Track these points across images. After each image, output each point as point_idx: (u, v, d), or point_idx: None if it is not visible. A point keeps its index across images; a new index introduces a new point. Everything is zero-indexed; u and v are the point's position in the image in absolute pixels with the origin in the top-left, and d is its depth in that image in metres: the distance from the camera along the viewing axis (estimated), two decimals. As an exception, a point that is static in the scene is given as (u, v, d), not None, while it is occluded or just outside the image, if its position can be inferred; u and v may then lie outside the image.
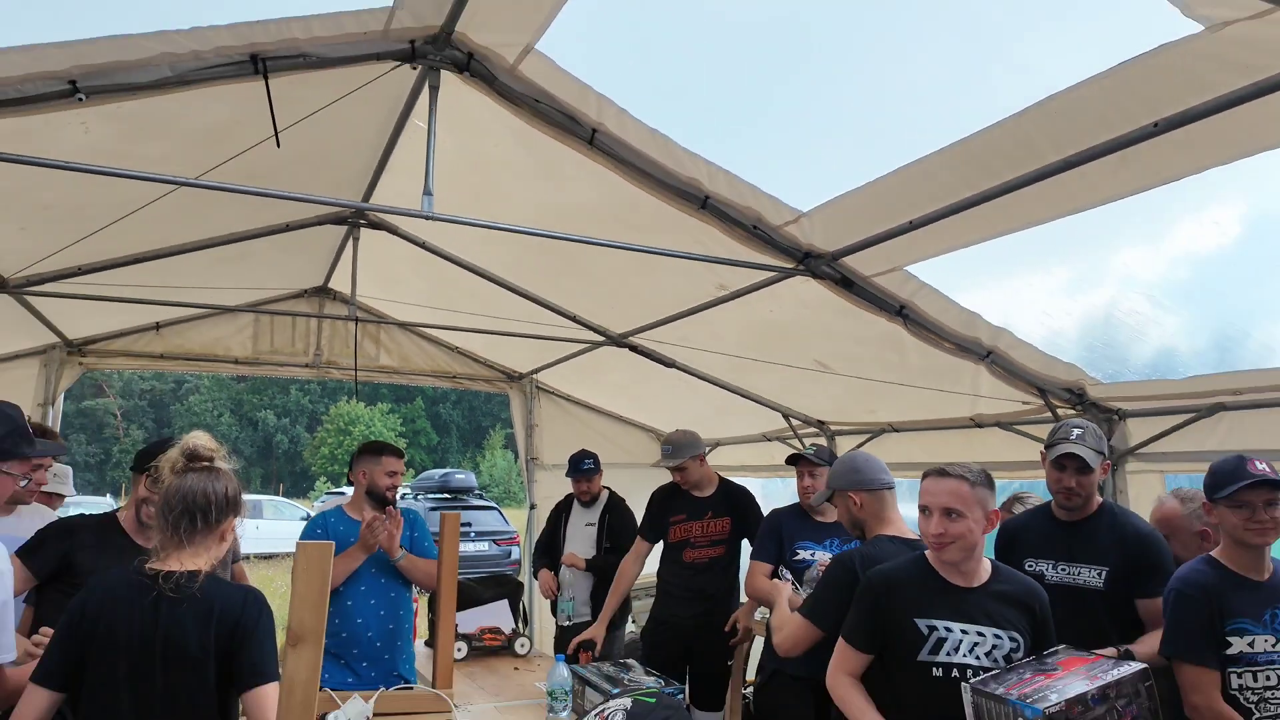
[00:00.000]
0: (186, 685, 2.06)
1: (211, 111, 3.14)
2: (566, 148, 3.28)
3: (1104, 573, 2.88)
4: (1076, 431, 2.95)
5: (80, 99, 2.57)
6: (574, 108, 3.08)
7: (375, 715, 3.09)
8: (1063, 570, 2.96)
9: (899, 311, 3.62)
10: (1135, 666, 2.23)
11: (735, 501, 4.37)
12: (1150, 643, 2.68)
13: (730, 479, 4.54)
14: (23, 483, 2.41)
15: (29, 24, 2.42)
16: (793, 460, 3.85)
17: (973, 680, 2.27)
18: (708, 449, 4.46)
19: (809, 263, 3.51)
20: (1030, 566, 2.97)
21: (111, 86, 2.62)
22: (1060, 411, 3.93)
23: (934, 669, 2.38)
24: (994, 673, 2.32)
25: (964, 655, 2.38)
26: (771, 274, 3.64)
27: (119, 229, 3.94)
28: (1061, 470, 2.93)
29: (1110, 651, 2.54)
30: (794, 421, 5.82)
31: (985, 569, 2.49)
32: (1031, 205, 2.79)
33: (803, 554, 3.71)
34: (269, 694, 2.07)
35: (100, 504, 18.52)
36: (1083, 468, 2.88)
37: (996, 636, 2.40)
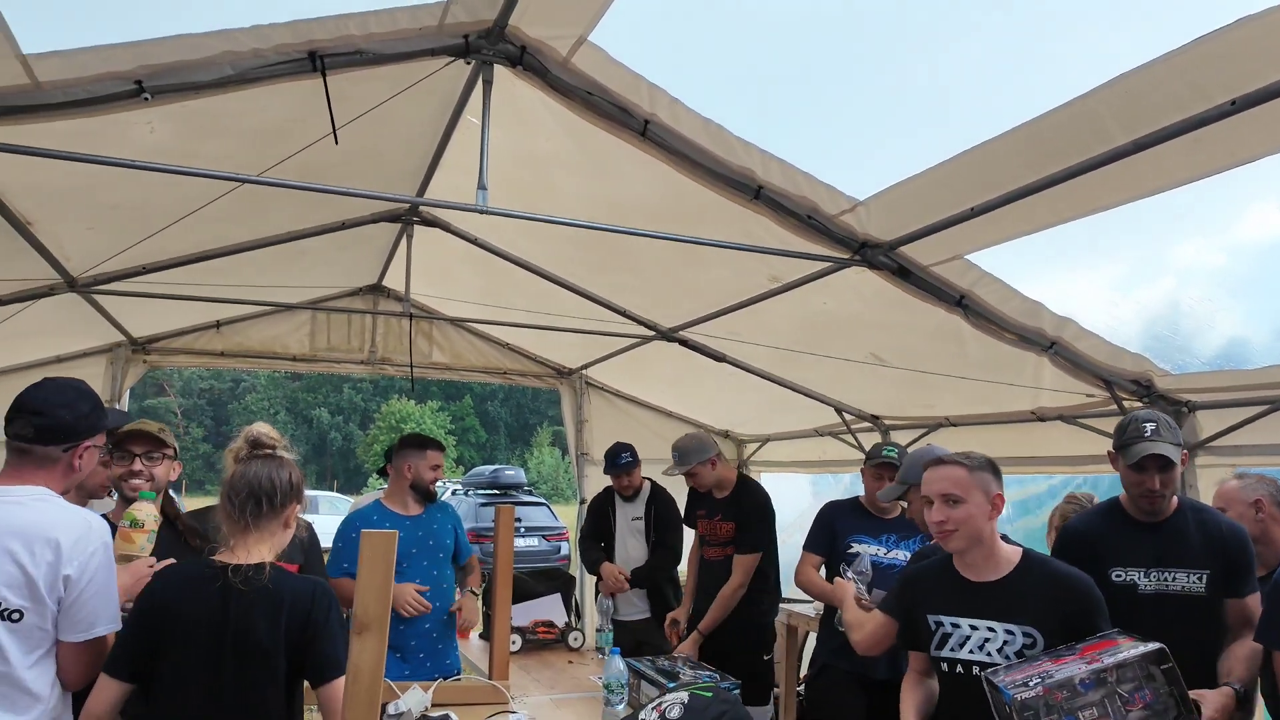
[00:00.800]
0: (256, 677, 2.08)
1: (270, 110, 3.19)
2: (618, 140, 3.26)
3: (1205, 576, 2.66)
4: (1150, 426, 2.68)
5: (146, 98, 2.62)
6: (626, 99, 3.06)
7: (433, 705, 3.11)
8: (1157, 577, 2.71)
9: (958, 302, 3.54)
10: (1142, 648, 2.05)
11: (739, 505, 4.29)
12: (1239, 656, 2.54)
13: (751, 479, 4.48)
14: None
15: (97, 25, 2.47)
16: (879, 463, 3.66)
17: (987, 672, 2.22)
18: (716, 453, 4.37)
19: (865, 253, 3.44)
20: (1118, 577, 2.73)
21: (176, 86, 2.67)
22: (1126, 404, 3.80)
23: (943, 664, 2.42)
24: (1013, 663, 2.26)
25: (970, 651, 2.37)
26: (826, 265, 3.59)
27: (181, 228, 4.03)
28: (1143, 473, 2.65)
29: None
30: (847, 416, 5.74)
31: (1007, 562, 2.41)
32: (1100, 190, 2.70)
33: (856, 548, 3.65)
34: (341, 688, 2.07)
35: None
36: (1165, 465, 2.63)
37: (1008, 632, 2.34)
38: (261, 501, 2.23)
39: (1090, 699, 2.01)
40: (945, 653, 2.42)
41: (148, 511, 2.45)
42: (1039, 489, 5.06)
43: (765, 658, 4.22)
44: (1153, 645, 2.02)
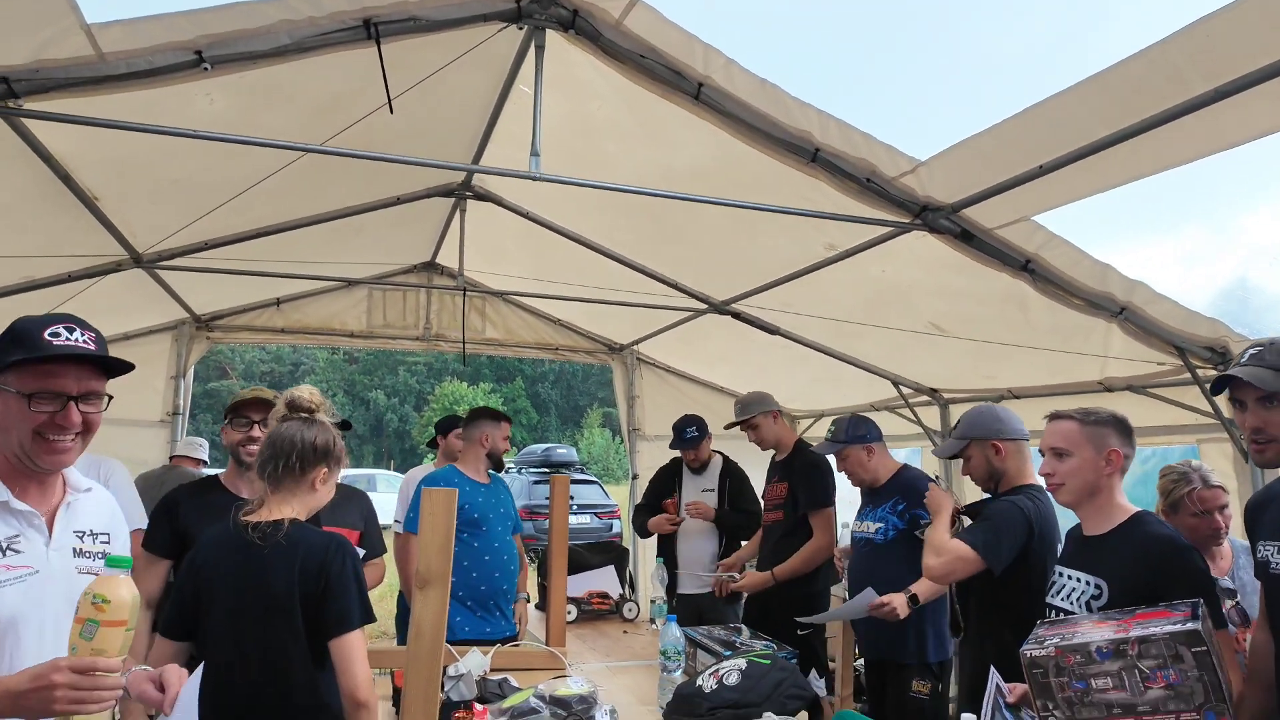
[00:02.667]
0: (277, 632, 2.10)
1: (326, 82, 3.20)
2: (672, 105, 3.21)
3: None
4: (1252, 351, 2.09)
5: (206, 69, 2.65)
6: (680, 61, 3.00)
7: (491, 669, 3.13)
8: None
9: (1024, 266, 3.41)
10: (1177, 626, 1.88)
11: (792, 465, 4.29)
12: None
13: (807, 446, 4.44)
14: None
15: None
16: None
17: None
18: (778, 409, 4.46)
19: (926, 216, 3.34)
20: (1261, 552, 2.21)
21: (234, 56, 2.69)
22: (1200, 372, 3.65)
23: (1048, 611, 2.44)
24: (1058, 619, 2.23)
25: (1062, 599, 2.39)
26: (885, 230, 3.49)
27: (241, 203, 4.09)
28: (1236, 408, 2.10)
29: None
30: (904, 390, 5.62)
31: (1119, 516, 2.35)
32: (1178, 143, 2.56)
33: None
34: (353, 642, 2.08)
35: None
36: (1268, 398, 2.01)
37: (1085, 582, 2.33)
38: (281, 462, 2.26)
39: (1106, 668, 1.91)
40: (1050, 599, 2.46)
41: (118, 593, 1.51)
42: (1106, 462, 4.89)
43: (800, 632, 4.01)
44: (1188, 626, 1.88)
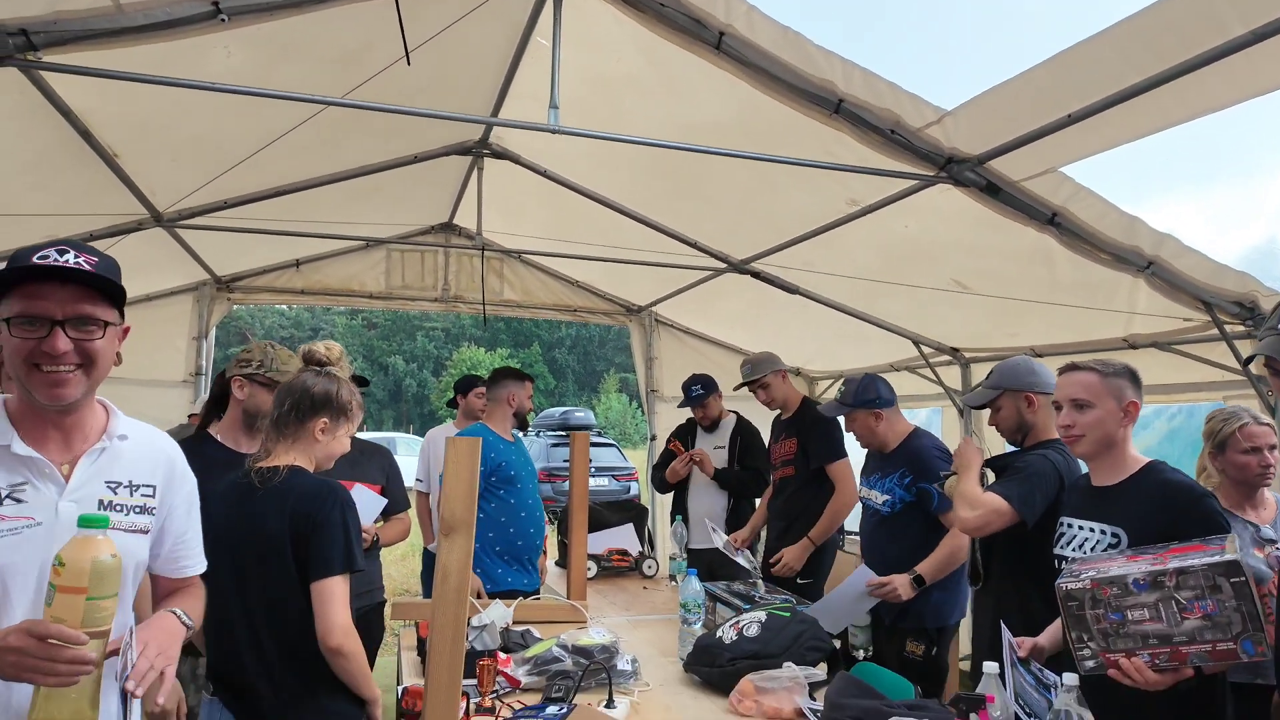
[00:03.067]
0: (273, 575, 2.12)
1: (344, 35, 3.17)
2: (692, 56, 3.16)
3: None
4: None
5: (223, 19, 2.63)
6: (700, 9, 2.95)
7: (514, 622, 3.17)
8: None
9: (1051, 220, 3.35)
10: (1211, 559, 1.89)
11: (805, 422, 4.30)
12: None
13: (814, 402, 4.47)
14: None
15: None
16: None
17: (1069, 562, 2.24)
18: (790, 369, 4.47)
19: (951, 169, 3.28)
20: None
21: (251, 6, 2.67)
22: (1228, 328, 3.59)
23: (1056, 562, 2.43)
24: (1091, 555, 2.26)
25: (1073, 549, 2.38)
26: (909, 183, 3.43)
27: (260, 160, 4.08)
28: (1275, 376, 1.99)
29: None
30: (925, 349, 5.58)
31: (1129, 468, 2.35)
32: (1213, 88, 2.49)
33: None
34: (331, 587, 2.09)
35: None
36: None
37: (1101, 532, 2.32)
38: (284, 410, 2.30)
39: (1143, 600, 1.93)
40: (1057, 550, 2.45)
41: (75, 555, 1.38)
42: (1129, 419, 4.85)
43: (800, 581, 4.11)
44: (1227, 556, 1.89)
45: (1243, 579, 1.85)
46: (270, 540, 2.13)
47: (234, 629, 2.16)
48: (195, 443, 2.63)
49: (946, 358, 5.61)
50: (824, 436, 4.20)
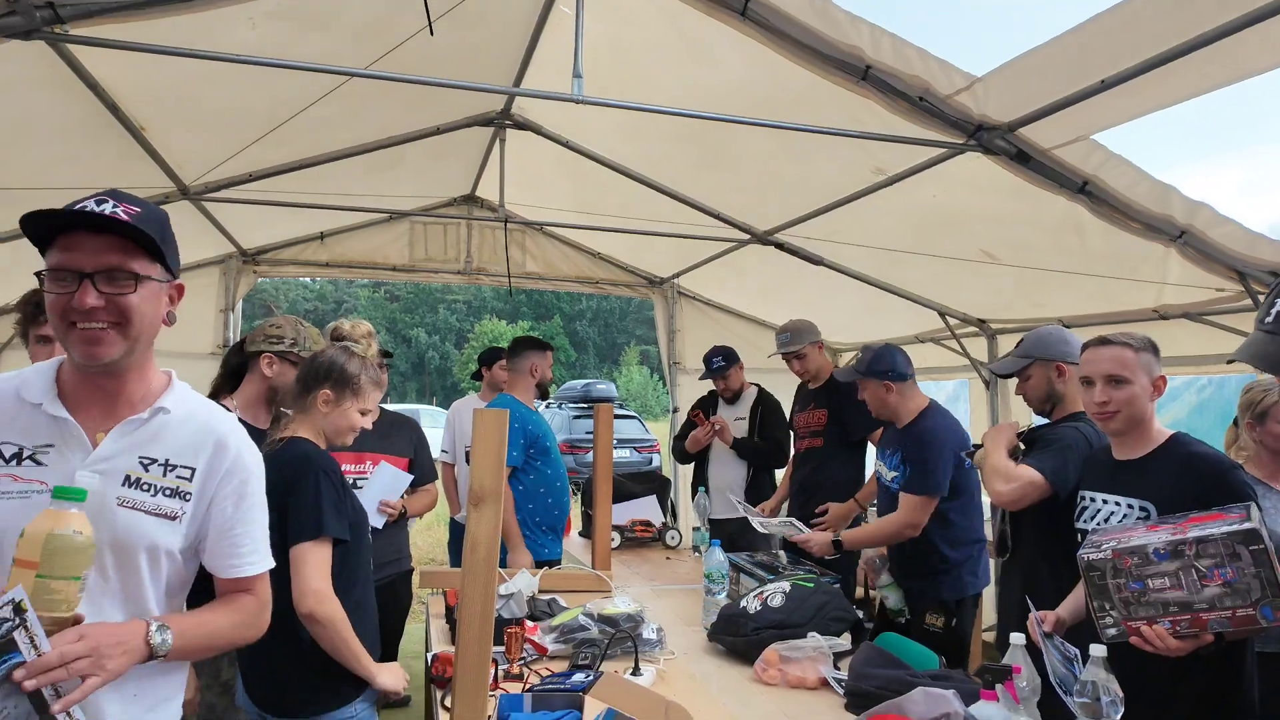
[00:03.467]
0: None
1: (367, 5, 3.16)
2: (716, 22, 3.11)
3: None
4: None
5: (247, -11, 2.62)
6: (727, -26, 2.90)
7: (540, 590, 3.20)
8: None
9: (1082, 188, 3.29)
10: (1230, 527, 1.91)
11: (836, 392, 4.25)
12: None
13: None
14: None
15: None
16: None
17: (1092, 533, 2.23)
18: (820, 341, 4.52)
19: (981, 136, 3.22)
20: None
21: (275, -24, 2.66)
22: (1261, 298, 3.52)
23: (1078, 536, 2.41)
24: (1110, 527, 2.27)
25: (1096, 522, 2.37)
26: (937, 151, 3.38)
27: (283, 134, 4.09)
28: None
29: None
30: (951, 320, 5.52)
31: (1155, 440, 2.34)
32: (1255, 49, 2.42)
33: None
34: (303, 553, 2.09)
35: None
36: None
37: (1128, 506, 2.31)
38: (296, 382, 2.36)
39: (1164, 568, 1.95)
40: (1079, 524, 2.44)
41: (33, 527, 1.34)
42: (1159, 391, 4.78)
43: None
44: (1246, 525, 1.90)
45: (1262, 547, 1.86)
46: None
47: None
48: None
49: (973, 329, 5.56)
50: (864, 408, 4.14)
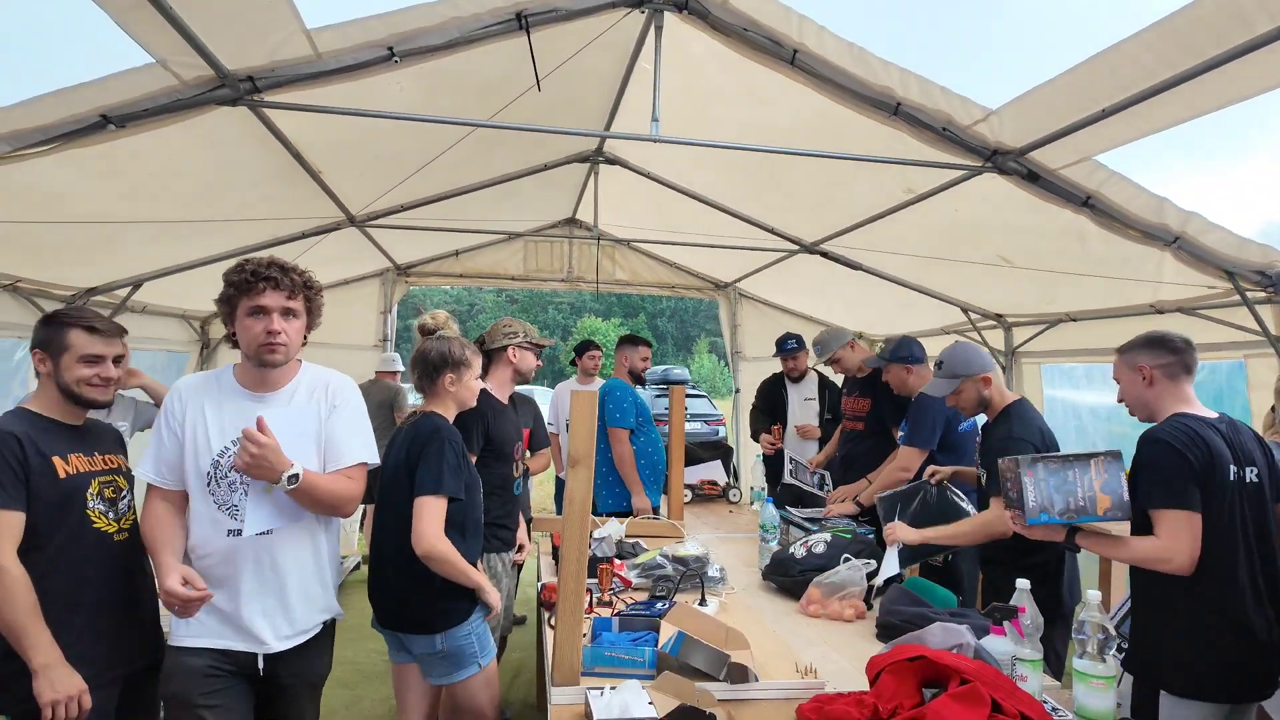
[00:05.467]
0: (402, 493, 2.21)
1: (486, 69, 3.21)
2: (769, 70, 3.06)
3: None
4: None
5: (396, 61, 2.70)
6: (778, 31, 2.85)
7: (626, 535, 3.24)
8: None
9: (1085, 202, 3.12)
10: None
11: (877, 385, 4.08)
12: None
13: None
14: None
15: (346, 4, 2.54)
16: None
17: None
18: (852, 338, 4.34)
19: (996, 159, 3.09)
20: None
21: (416, 49, 2.73)
22: (1250, 295, 3.28)
23: None
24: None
25: None
26: (959, 173, 3.26)
27: (426, 173, 4.22)
28: None
29: None
30: (973, 315, 5.32)
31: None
32: (1238, 80, 2.25)
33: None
34: (423, 503, 2.14)
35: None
36: None
37: None
38: (418, 373, 2.41)
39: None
40: None
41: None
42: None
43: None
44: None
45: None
46: (397, 466, 2.24)
47: (382, 534, 2.29)
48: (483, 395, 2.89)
49: (991, 323, 5.34)
50: (895, 403, 3.98)
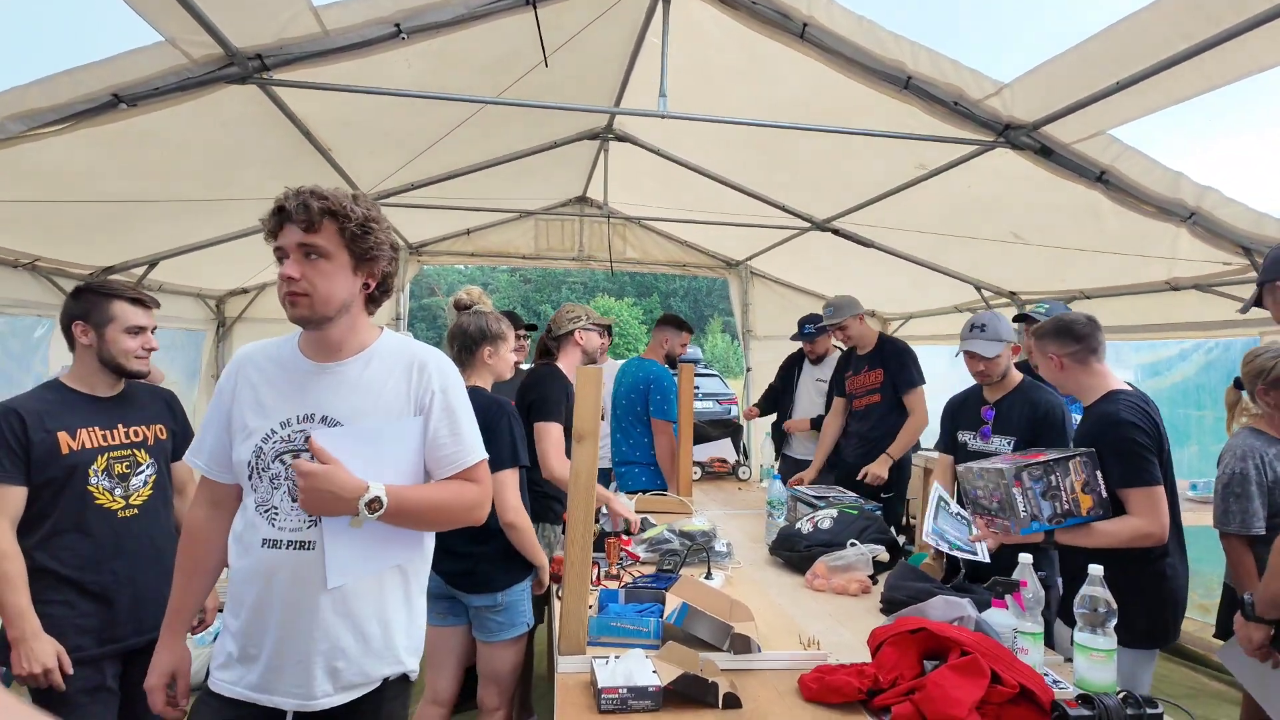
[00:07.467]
0: None
1: (494, 46, 3.21)
2: (779, 44, 3.04)
3: None
4: None
5: (403, 38, 2.71)
6: (786, 3, 2.82)
7: (635, 511, 3.26)
8: None
9: (1099, 177, 3.08)
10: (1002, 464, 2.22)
11: (887, 353, 4.04)
12: None
13: (891, 337, 4.22)
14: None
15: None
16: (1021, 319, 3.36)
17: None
18: (862, 313, 4.18)
19: (1008, 134, 3.05)
20: None
21: (424, 26, 2.73)
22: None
23: None
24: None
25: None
26: (971, 148, 3.22)
27: (436, 151, 4.22)
28: None
29: None
30: (986, 293, 5.28)
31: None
32: (1256, 50, 2.21)
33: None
34: (502, 478, 2.19)
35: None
36: None
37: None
38: (458, 347, 2.44)
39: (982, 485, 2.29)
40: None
41: None
42: (1170, 353, 4.44)
43: (884, 495, 3.88)
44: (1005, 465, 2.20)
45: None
46: None
47: None
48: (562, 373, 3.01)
49: (1005, 300, 5.29)
50: (906, 365, 3.98)
